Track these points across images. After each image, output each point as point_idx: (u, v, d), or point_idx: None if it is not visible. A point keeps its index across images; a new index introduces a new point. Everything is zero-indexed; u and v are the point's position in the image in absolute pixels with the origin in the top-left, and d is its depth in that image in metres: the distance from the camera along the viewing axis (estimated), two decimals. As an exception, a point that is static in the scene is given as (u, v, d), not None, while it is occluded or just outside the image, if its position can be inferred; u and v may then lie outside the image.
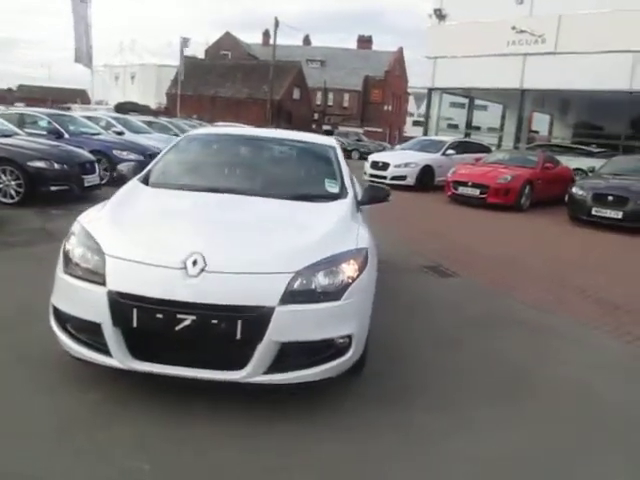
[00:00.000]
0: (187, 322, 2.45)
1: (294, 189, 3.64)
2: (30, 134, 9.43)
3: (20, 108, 15.87)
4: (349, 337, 2.69)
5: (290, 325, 2.53)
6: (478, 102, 21.62)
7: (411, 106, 60.73)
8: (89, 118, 12.55)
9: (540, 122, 23.04)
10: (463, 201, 11.51)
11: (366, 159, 15.48)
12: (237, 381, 2.56)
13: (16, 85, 59.29)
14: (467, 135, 19.92)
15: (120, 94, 44.11)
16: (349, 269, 2.73)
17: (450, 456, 2.54)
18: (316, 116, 49.83)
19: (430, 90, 20.41)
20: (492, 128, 22.03)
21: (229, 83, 45.33)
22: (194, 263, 2.54)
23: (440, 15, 19.35)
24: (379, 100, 53.76)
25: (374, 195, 3.92)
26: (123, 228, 2.88)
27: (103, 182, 8.98)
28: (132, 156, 10.05)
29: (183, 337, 2.51)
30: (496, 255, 7.03)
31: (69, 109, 21.03)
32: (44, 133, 9.89)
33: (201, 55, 52.64)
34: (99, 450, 2.36)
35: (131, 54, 52.48)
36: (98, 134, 11.28)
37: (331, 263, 2.70)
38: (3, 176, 7.51)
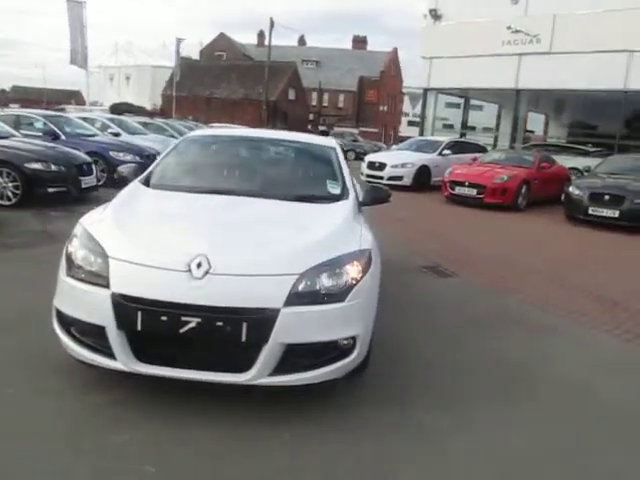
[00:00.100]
0: (192, 324, 2.45)
1: (296, 190, 3.65)
2: (26, 136, 9.39)
3: (15, 109, 15.81)
4: (353, 338, 2.69)
5: (295, 327, 2.53)
6: (473, 102, 21.65)
7: (406, 106, 60.77)
8: (84, 119, 12.49)
9: (535, 122, 23.11)
10: (460, 201, 11.53)
11: (362, 159, 15.48)
12: (242, 383, 2.56)
13: (10, 86, 59.04)
14: (463, 135, 19.97)
15: (115, 95, 43.93)
16: (353, 270, 2.74)
17: (450, 456, 2.56)
18: (311, 117, 49.83)
19: (426, 90, 20.42)
20: (487, 128, 22.08)
21: (224, 84, 45.26)
22: (198, 265, 2.53)
23: (435, 15, 19.36)
24: (374, 100, 53.88)
25: (375, 196, 3.93)
26: (126, 230, 2.86)
27: (100, 184, 8.98)
28: (129, 157, 10.05)
29: (187, 339, 2.51)
30: (494, 255, 7.06)
31: (63, 110, 20.95)
32: (40, 134, 9.82)
33: (196, 56, 52.49)
34: (103, 452, 2.35)
35: (126, 55, 52.23)
36: (94, 135, 11.24)
37: (335, 264, 2.70)
38: (0, 178, 7.47)
